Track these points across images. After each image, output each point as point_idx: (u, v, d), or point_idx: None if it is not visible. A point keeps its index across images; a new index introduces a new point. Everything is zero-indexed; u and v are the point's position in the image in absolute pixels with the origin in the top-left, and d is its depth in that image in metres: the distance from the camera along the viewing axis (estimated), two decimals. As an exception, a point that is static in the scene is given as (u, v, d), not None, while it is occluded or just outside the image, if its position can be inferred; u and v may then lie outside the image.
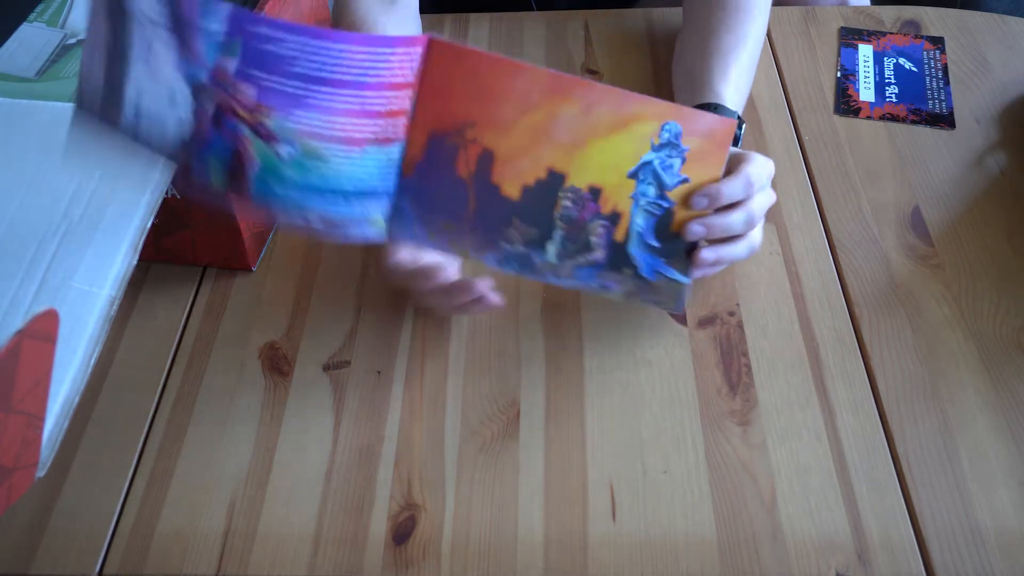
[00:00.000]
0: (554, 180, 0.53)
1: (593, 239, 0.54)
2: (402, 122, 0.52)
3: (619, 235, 0.54)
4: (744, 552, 0.51)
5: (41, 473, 0.47)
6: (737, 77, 0.68)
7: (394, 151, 0.52)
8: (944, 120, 0.76)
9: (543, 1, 0.93)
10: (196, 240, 0.65)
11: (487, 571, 0.51)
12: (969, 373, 0.58)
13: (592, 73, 0.81)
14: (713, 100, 0.66)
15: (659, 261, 0.54)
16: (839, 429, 0.56)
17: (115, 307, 0.51)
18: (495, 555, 0.51)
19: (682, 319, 0.62)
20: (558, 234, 0.54)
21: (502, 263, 0.54)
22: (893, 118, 0.76)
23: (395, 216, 0.54)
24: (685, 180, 0.53)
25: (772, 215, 0.68)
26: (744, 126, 0.66)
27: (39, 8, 0.65)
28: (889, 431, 0.56)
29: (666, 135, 0.52)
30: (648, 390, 0.58)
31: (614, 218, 0.54)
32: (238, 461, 0.56)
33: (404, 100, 0.52)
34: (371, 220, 0.53)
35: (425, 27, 0.79)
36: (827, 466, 0.54)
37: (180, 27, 0.47)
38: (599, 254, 0.54)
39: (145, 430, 0.58)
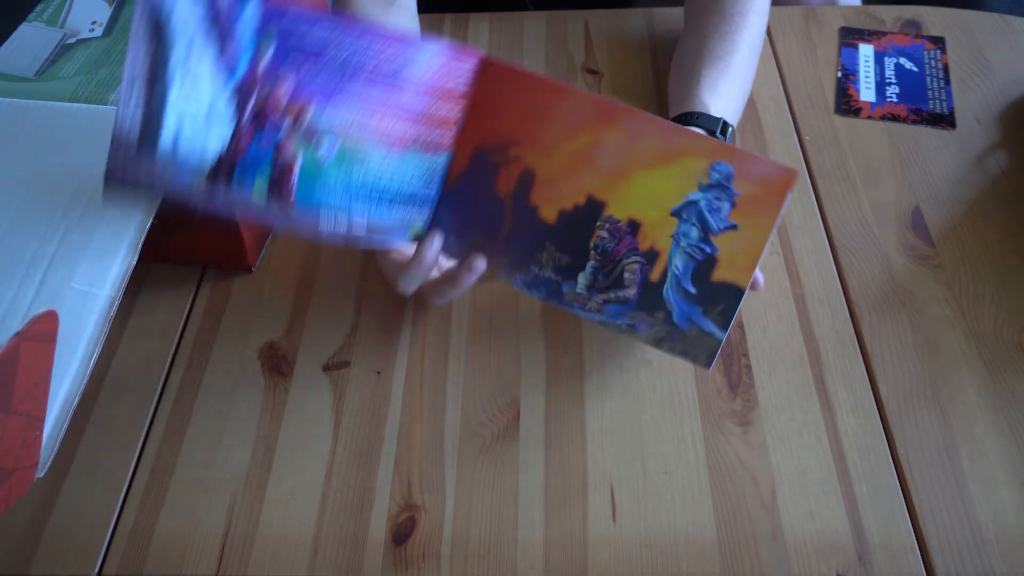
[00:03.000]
0: (593, 208, 0.52)
1: (627, 275, 0.52)
2: (448, 132, 0.52)
3: (655, 275, 0.52)
4: (744, 552, 0.51)
5: (40, 473, 0.47)
6: (727, 84, 0.68)
7: (438, 160, 0.53)
8: (945, 120, 0.75)
9: (540, 1, 0.92)
10: (196, 240, 0.65)
11: (487, 571, 0.51)
12: (970, 373, 0.58)
13: (592, 73, 0.81)
14: (699, 109, 0.66)
15: (695, 309, 0.52)
16: (839, 430, 0.56)
17: (115, 308, 0.51)
18: (495, 555, 0.51)
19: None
20: (591, 265, 0.52)
21: (530, 287, 0.53)
22: (894, 118, 0.76)
23: (434, 224, 0.54)
24: (733, 227, 0.50)
25: (772, 215, 0.68)
26: (731, 129, 0.66)
27: (38, 8, 0.65)
28: (889, 431, 0.56)
29: (716, 175, 0.50)
30: (648, 390, 0.58)
31: (651, 256, 0.52)
32: (238, 461, 0.56)
33: (451, 110, 0.52)
34: (412, 226, 0.53)
35: (425, 27, 0.79)
36: (827, 466, 0.54)
37: (218, 23, 0.47)
38: (631, 292, 0.52)
39: (145, 430, 0.58)
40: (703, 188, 0.50)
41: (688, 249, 0.51)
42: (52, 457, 0.48)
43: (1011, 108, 0.76)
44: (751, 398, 0.57)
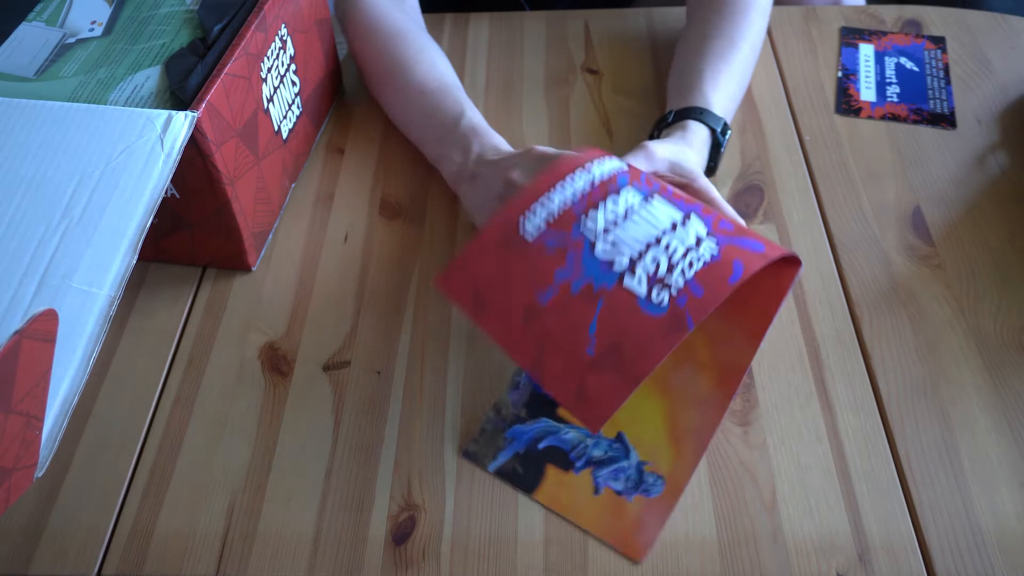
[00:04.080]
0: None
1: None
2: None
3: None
4: (744, 552, 0.51)
5: (40, 473, 0.47)
6: (727, 82, 0.68)
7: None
8: (945, 120, 0.75)
9: (537, 1, 0.93)
10: (196, 240, 0.65)
11: (487, 571, 0.51)
12: (970, 373, 0.58)
13: (592, 73, 0.81)
14: (701, 104, 0.66)
15: (517, 441, 0.56)
16: (840, 429, 0.56)
17: (114, 307, 0.51)
18: (495, 555, 0.51)
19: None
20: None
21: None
22: (894, 118, 0.76)
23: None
24: (599, 487, 0.53)
25: (772, 215, 0.68)
26: (729, 133, 0.66)
27: (38, 7, 0.65)
28: (890, 431, 0.56)
29: (648, 485, 0.53)
30: (648, 390, 0.58)
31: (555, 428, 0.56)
32: (238, 461, 0.56)
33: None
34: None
35: (426, 26, 0.79)
36: (827, 466, 0.54)
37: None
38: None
39: (145, 430, 0.58)
40: (640, 475, 0.54)
41: (572, 443, 0.55)
42: (51, 457, 0.47)
43: (1011, 108, 0.76)
44: (751, 398, 0.57)
